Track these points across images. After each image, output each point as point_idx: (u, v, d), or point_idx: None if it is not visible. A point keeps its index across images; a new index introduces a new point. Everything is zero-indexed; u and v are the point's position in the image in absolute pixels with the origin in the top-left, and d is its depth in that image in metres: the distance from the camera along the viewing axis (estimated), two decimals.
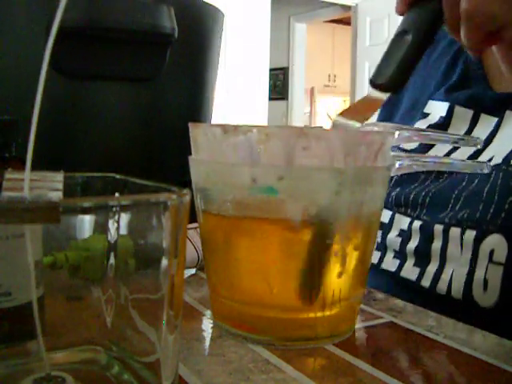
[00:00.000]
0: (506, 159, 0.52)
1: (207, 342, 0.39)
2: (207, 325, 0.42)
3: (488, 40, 0.38)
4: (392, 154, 0.41)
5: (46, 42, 0.22)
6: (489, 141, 0.56)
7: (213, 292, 0.41)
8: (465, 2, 0.36)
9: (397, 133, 0.44)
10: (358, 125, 0.38)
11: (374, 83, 0.39)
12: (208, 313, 0.44)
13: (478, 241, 0.52)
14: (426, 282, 0.56)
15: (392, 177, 0.57)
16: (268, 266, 0.38)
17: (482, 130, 0.58)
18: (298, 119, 5.72)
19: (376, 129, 0.44)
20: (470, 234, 0.52)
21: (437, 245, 0.56)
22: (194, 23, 0.59)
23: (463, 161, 0.46)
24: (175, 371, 0.28)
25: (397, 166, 0.44)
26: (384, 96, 0.38)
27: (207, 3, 0.60)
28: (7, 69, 0.54)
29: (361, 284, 0.40)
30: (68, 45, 0.51)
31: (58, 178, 0.29)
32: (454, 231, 0.54)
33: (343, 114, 0.39)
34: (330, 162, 0.35)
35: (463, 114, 0.60)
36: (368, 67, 4.39)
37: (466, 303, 0.52)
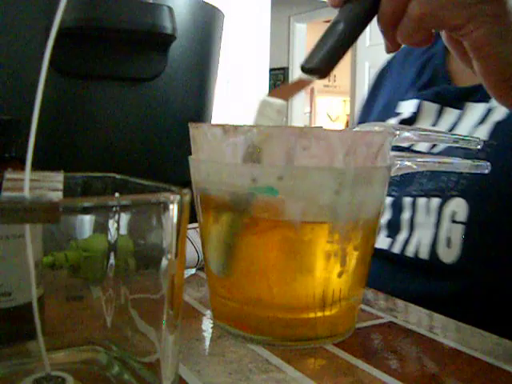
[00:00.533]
0: None
1: (207, 342, 0.39)
2: (207, 325, 0.42)
3: (429, 40, 0.40)
4: (392, 153, 0.41)
5: (45, 42, 0.22)
6: (451, 130, 0.63)
7: (213, 292, 0.41)
8: (418, 6, 0.37)
9: (397, 133, 0.44)
10: (281, 102, 0.40)
11: (303, 67, 0.40)
12: (208, 313, 0.44)
13: (441, 206, 0.59)
14: (396, 249, 0.63)
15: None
16: (268, 266, 0.38)
17: (445, 122, 0.65)
18: (298, 119, 5.72)
19: (376, 129, 0.44)
20: (435, 202, 0.60)
21: (406, 215, 0.63)
22: (194, 23, 0.59)
23: (463, 161, 0.46)
24: (175, 371, 0.28)
25: (397, 166, 0.44)
26: (313, 79, 0.40)
27: (207, 3, 0.60)
28: (7, 69, 0.54)
29: (361, 284, 0.40)
30: (68, 45, 0.51)
31: (58, 178, 0.29)
32: (421, 201, 0.61)
33: (272, 93, 0.41)
34: (330, 161, 0.35)
35: (430, 108, 0.67)
36: (368, 67, 4.38)
37: (432, 262, 0.58)
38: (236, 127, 0.36)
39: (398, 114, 0.71)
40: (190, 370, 0.33)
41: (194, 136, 0.39)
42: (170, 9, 0.53)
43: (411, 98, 0.70)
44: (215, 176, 0.38)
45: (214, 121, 0.73)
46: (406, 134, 0.44)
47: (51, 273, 0.31)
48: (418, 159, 0.45)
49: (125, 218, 0.28)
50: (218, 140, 0.36)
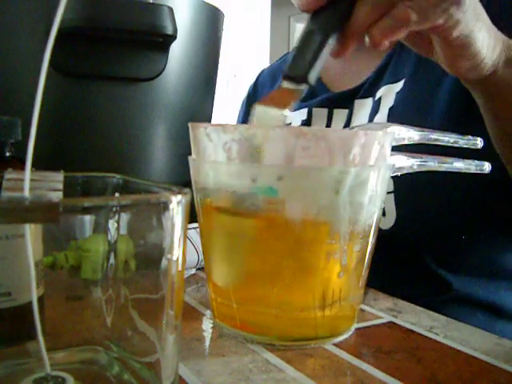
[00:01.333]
0: None
1: (207, 342, 0.39)
2: (207, 325, 0.42)
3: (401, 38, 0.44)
4: (392, 153, 0.41)
5: (45, 42, 0.22)
6: (346, 127, 0.69)
7: (213, 292, 0.41)
8: (404, 11, 0.40)
9: (397, 133, 0.44)
10: (280, 111, 0.40)
11: (288, 76, 0.41)
12: (208, 313, 0.44)
13: None
14: None
15: None
16: (268, 266, 0.38)
17: (338, 122, 0.72)
18: None
19: (376, 129, 0.44)
20: None
21: None
22: (194, 23, 0.59)
23: (463, 161, 0.46)
24: (175, 371, 0.28)
25: (397, 166, 0.44)
26: (300, 87, 0.41)
27: (207, 3, 0.60)
28: (7, 69, 0.54)
29: (361, 284, 0.40)
30: (68, 45, 0.51)
31: (58, 178, 0.29)
32: None
33: (263, 102, 0.41)
34: (330, 162, 0.35)
35: (320, 113, 0.74)
36: None
37: None
38: (236, 127, 0.36)
39: (288, 124, 0.76)
40: (189, 370, 0.33)
41: (194, 136, 0.39)
42: (170, 9, 0.53)
43: (298, 109, 0.76)
44: (215, 176, 0.38)
45: (213, 121, 0.73)
46: (406, 133, 0.44)
47: (51, 273, 0.31)
48: (418, 159, 0.45)
49: (125, 218, 0.28)
50: (217, 140, 0.36)
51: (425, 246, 0.64)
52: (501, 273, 0.65)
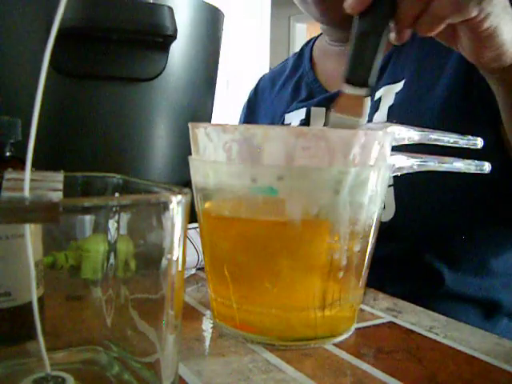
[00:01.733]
0: None
1: (207, 342, 0.39)
2: (207, 325, 0.42)
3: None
4: (392, 153, 0.41)
5: (46, 42, 0.22)
6: None
7: (213, 292, 0.41)
8: (440, 7, 0.42)
9: (397, 133, 0.44)
10: (356, 119, 0.43)
11: (351, 80, 0.43)
12: (208, 313, 0.44)
13: None
14: None
15: None
16: (268, 266, 0.38)
17: None
18: None
19: (376, 129, 0.44)
20: None
21: None
22: (194, 23, 0.59)
23: (463, 161, 0.46)
24: (175, 371, 0.28)
25: (397, 166, 0.44)
26: (363, 92, 0.43)
27: (207, 3, 0.60)
28: (7, 69, 0.54)
29: (361, 284, 0.40)
30: (68, 45, 0.51)
31: (58, 178, 0.29)
32: None
33: (338, 110, 0.44)
34: (330, 162, 0.35)
35: (318, 113, 0.76)
36: None
37: None
38: (236, 127, 0.36)
39: (287, 124, 0.79)
40: (189, 370, 0.33)
41: (194, 136, 0.39)
42: (170, 9, 0.53)
43: (296, 109, 0.79)
44: (215, 176, 0.38)
45: (214, 121, 0.73)
46: (406, 133, 0.44)
47: (51, 273, 0.31)
48: (418, 159, 0.45)
49: (125, 217, 0.28)
50: (217, 140, 0.36)
51: (423, 239, 0.65)
52: (496, 269, 0.66)
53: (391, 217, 0.64)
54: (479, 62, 0.48)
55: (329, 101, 0.76)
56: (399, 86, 0.68)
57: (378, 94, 0.70)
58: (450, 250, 0.65)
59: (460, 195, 0.63)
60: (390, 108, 0.67)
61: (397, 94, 0.68)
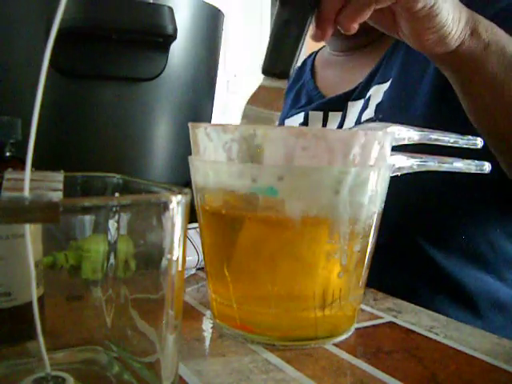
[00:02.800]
0: None
1: (207, 342, 0.39)
2: (207, 325, 0.42)
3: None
4: (392, 153, 0.41)
5: (46, 42, 0.22)
6: (340, 127, 0.73)
7: (213, 292, 0.41)
8: None
9: (397, 133, 0.44)
10: (270, 112, 0.41)
11: (269, 71, 0.42)
12: (208, 313, 0.44)
13: None
14: None
15: None
16: (268, 266, 0.38)
17: (333, 123, 0.76)
18: None
19: (376, 129, 0.44)
20: None
21: None
22: (194, 23, 0.59)
23: (463, 161, 0.46)
24: (175, 371, 0.28)
25: (397, 166, 0.44)
26: (282, 84, 0.42)
27: (207, 3, 0.60)
28: (7, 69, 0.54)
29: (361, 284, 0.40)
30: (68, 45, 0.51)
31: (58, 178, 0.29)
32: None
33: (252, 102, 0.42)
34: (330, 162, 0.35)
35: (316, 116, 0.79)
36: None
37: None
38: (236, 127, 0.36)
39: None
40: (190, 370, 0.33)
41: (194, 136, 0.39)
42: (170, 9, 0.53)
43: (296, 114, 0.82)
44: (215, 176, 0.38)
45: (214, 121, 0.73)
46: (406, 133, 0.44)
47: (51, 273, 0.31)
48: (418, 159, 0.45)
49: (125, 218, 0.28)
50: (217, 140, 0.36)
51: (415, 225, 0.66)
52: (491, 260, 0.66)
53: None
54: (423, 47, 0.47)
55: (326, 105, 0.78)
56: (387, 85, 0.70)
57: (367, 94, 0.72)
58: (442, 236, 0.65)
59: (450, 178, 0.63)
60: (378, 105, 0.69)
61: (385, 92, 0.69)
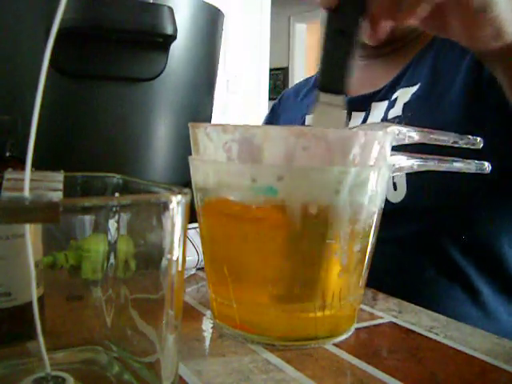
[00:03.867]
0: None
1: (207, 342, 0.39)
2: (207, 325, 0.42)
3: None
4: (392, 153, 0.41)
5: (46, 42, 0.22)
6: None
7: (213, 292, 0.41)
8: None
9: (397, 133, 0.44)
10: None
11: (326, 88, 0.41)
12: (208, 313, 0.44)
13: None
14: None
15: None
16: (268, 266, 0.38)
17: (355, 123, 0.75)
18: None
19: (376, 129, 0.44)
20: None
21: None
22: (194, 23, 0.59)
23: (463, 161, 0.46)
24: (175, 371, 0.28)
25: (397, 166, 0.44)
26: (339, 100, 0.42)
27: (207, 3, 0.60)
28: (7, 69, 0.54)
29: (361, 284, 0.40)
30: (68, 45, 0.51)
31: (58, 178, 0.29)
32: None
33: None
34: (330, 162, 0.35)
35: None
36: None
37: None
38: (236, 127, 0.36)
39: (308, 125, 0.79)
40: (190, 370, 0.33)
41: (194, 136, 0.39)
42: (170, 9, 0.53)
43: None
44: (215, 176, 0.38)
45: (214, 121, 0.73)
46: (406, 133, 0.44)
47: (51, 273, 0.31)
48: (418, 159, 0.45)
49: (125, 218, 0.28)
50: (217, 140, 0.36)
51: (435, 221, 0.65)
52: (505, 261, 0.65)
53: (402, 198, 0.64)
54: (477, 43, 0.46)
55: (350, 104, 0.79)
56: (415, 88, 0.69)
57: (393, 96, 0.71)
58: (461, 229, 0.65)
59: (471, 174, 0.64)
60: (406, 104, 0.68)
61: (413, 94, 0.69)
